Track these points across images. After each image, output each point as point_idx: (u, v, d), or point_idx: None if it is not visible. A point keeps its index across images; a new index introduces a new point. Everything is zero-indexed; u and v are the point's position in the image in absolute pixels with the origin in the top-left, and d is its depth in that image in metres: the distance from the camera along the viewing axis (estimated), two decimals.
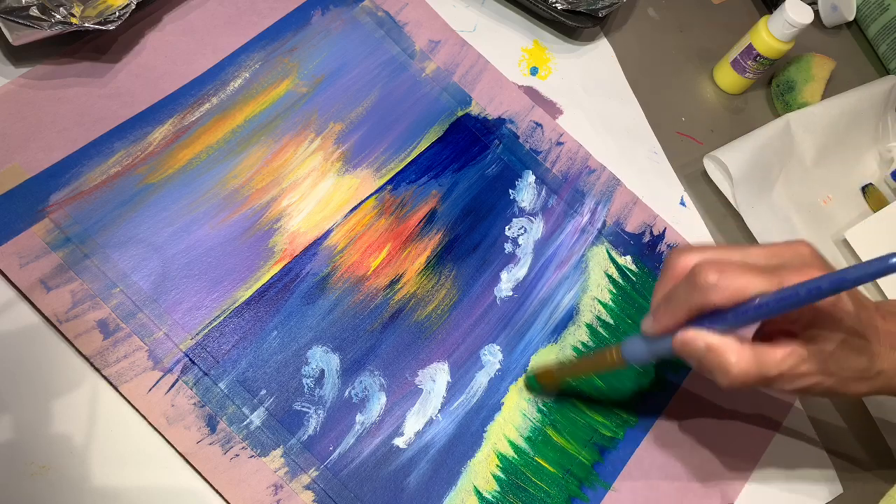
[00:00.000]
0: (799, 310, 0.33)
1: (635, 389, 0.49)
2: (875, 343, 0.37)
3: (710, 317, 0.35)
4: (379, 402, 0.44)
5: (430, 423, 0.45)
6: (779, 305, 0.32)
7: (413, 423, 0.44)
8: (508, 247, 0.51)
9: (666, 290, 0.37)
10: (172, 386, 0.40)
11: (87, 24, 0.44)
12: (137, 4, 0.46)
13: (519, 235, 0.52)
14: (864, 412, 0.54)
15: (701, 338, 0.35)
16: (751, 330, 0.37)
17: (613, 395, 0.49)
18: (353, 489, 0.41)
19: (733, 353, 0.34)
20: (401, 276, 0.48)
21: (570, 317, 0.50)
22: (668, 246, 0.55)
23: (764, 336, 0.37)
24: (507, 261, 0.51)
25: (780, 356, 0.35)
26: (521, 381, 0.47)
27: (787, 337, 0.36)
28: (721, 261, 0.34)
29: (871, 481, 0.53)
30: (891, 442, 0.53)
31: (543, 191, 0.54)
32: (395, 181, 0.50)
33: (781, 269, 0.34)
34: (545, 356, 0.49)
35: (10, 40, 0.43)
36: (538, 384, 0.47)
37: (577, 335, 0.50)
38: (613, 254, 0.54)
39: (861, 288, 0.59)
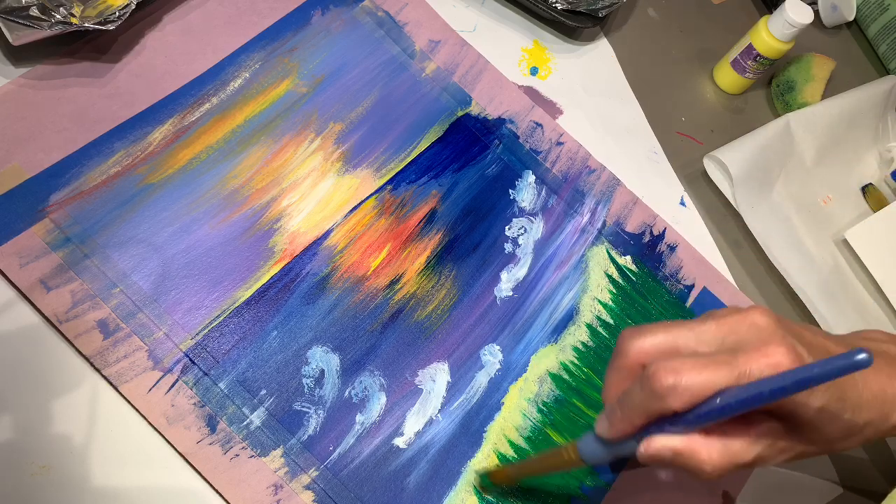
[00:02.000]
0: None
1: None
2: (854, 396, 0.34)
3: (671, 418, 0.32)
4: (379, 402, 0.44)
5: (430, 423, 0.45)
6: (742, 406, 0.30)
7: (413, 423, 0.44)
8: (508, 247, 0.51)
9: (618, 386, 0.34)
10: (172, 386, 0.40)
11: (87, 24, 0.44)
12: (137, 4, 0.46)
13: (519, 235, 0.52)
14: None
15: (667, 446, 0.32)
16: None
17: None
18: (353, 489, 0.41)
19: (703, 451, 0.32)
20: (401, 276, 0.48)
21: (570, 317, 0.50)
22: (669, 246, 0.55)
23: None
24: (507, 261, 0.51)
25: (753, 437, 0.32)
26: (520, 381, 0.47)
27: (760, 413, 0.33)
28: (675, 358, 0.32)
29: (871, 481, 0.53)
30: (891, 442, 0.53)
31: (543, 191, 0.54)
32: (395, 181, 0.50)
33: (739, 353, 0.31)
34: (545, 356, 0.49)
35: (10, 40, 0.43)
36: (490, 483, 0.43)
37: (577, 335, 0.50)
38: (613, 254, 0.54)
39: (868, 295, 0.59)
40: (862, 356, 0.26)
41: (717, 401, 0.30)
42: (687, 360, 0.31)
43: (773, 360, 0.30)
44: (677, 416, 0.32)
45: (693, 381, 0.31)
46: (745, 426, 0.33)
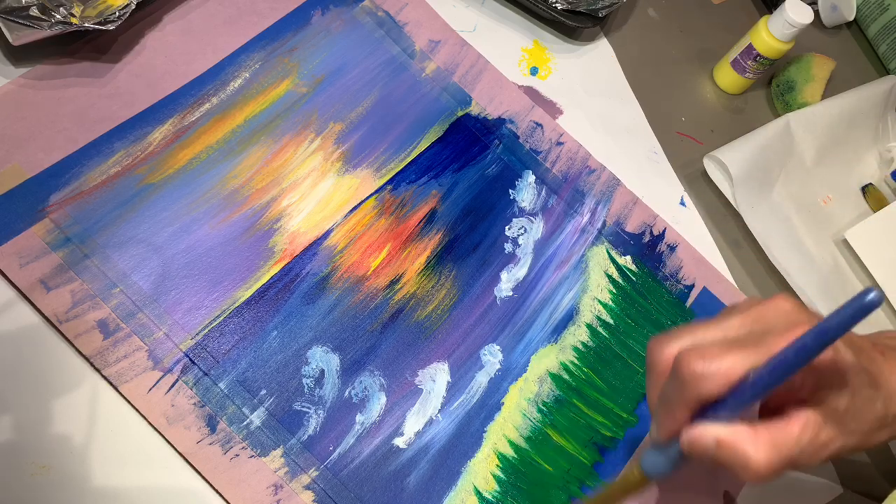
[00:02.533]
0: (801, 375, 0.30)
1: (639, 390, 0.49)
2: (884, 386, 0.34)
3: (712, 407, 0.32)
4: (379, 402, 0.44)
5: (430, 423, 0.45)
6: (773, 377, 0.30)
7: (413, 423, 0.44)
8: (508, 247, 0.51)
9: (657, 390, 0.34)
10: (172, 386, 0.40)
11: (87, 24, 0.44)
12: (137, 4, 0.46)
13: (519, 235, 0.52)
14: None
15: (708, 433, 0.31)
16: (754, 408, 0.34)
17: (614, 396, 0.49)
18: (353, 489, 0.41)
19: (749, 444, 0.31)
20: (401, 276, 0.48)
21: (570, 317, 0.50)
22: (669, 246, 0.55)
23: (771, 411, 0.34)
24: (507, 261, 0.51)
25: (798, 429, 0.32)
26: (520, 381, 0.47)
27: (796, 405, 0.33)
28: (702, 345, 0.32)
29: (871, 481, 0.53)
30: (891, 442, 0.53)
31: (543, 191, 0.54)
32: (395, 181, 0.50)
33: (767, 336, 0.31)
34: (545, 356, 0.49)
35: (10, 40, 0.43)
36: None
37: (577, 335, 0.50)
38: (613, 254, 0.54)
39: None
40: (873, 294, 0.26)
41: (750, 378, 0.30)
42: (714, 345, 0.31)
43: None
44: (717, 406, 0.31)
45: (722, 363, 0.30)
46: (786, 420, 0.32)
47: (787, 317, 0.33)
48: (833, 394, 0.32)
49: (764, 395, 0.31)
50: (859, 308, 0.26)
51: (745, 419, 0.32)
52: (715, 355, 0.31)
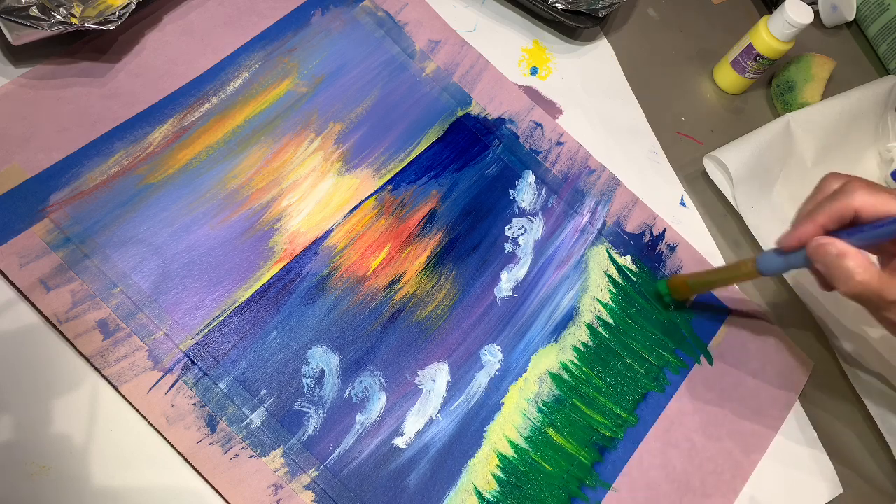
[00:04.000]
0: None
1: (639, 390, 0.49)
2: None
3: (847, 230, 0.39)
4: (379, 402, 0.44)
5: (430, 423, 0.45)
6: None
7: (413, 423, 0.44)
8: (508, 247, 0.51)
9: (811, 204, 0.41)
10: (172, 386, 0.40)
11: (87, 24, 0.44)
12: (137, 4, 0.46)
13: (519, 235, 0.52)
14: (865, 412, 0.54)
15: (835, 245, 0.38)
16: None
17: (613, 396, 0.49)
18: (353, 489, 0.41)
19: (860, 267, 0.37)
20: (401, 276, 0.48)
21: (570, 317, 0.50)
22: (669, 246, 0.55)
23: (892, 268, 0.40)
24: (507, 261, 0.51)
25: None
26: (520, 381, 0.47)
27: None
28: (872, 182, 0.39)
29: (871, 481, 0.53)
30: (891, 442, 0.53)
31: (543, 191, 0.54)
32: (395, 181, 0.50)
33: None
34: (545, 356, 0.49)
35: (10, 40, 0.43)
36: (671, 297, 0.52)
37: (577, 335, 0.50)
38: (613, 254, 0.54)
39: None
40: None
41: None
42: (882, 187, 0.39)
43: None
44: (852, 230, 0.39)
45: (880, 196, 0.38)
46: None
47: None
48: None
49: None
50: None
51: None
52: (880, 190, 0.38)
